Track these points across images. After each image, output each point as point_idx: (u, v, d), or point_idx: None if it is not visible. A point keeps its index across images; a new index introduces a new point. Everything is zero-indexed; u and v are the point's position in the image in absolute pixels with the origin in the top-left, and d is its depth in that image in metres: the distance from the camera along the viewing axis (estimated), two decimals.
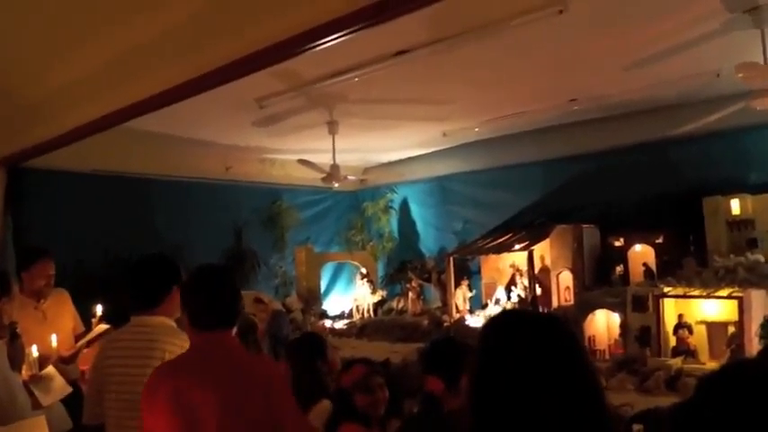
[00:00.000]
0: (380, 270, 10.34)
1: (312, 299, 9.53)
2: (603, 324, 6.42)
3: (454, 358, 3.09)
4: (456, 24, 4.68)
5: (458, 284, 8.32)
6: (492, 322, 1.96)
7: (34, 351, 4.27)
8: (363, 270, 9.64)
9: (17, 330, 4.18)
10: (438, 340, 3.74)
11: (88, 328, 5.04)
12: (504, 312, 2.37)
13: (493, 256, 8.42)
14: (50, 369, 4.33)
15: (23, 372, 4.17)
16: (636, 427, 3.52)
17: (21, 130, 6.38)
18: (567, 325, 1.92)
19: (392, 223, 10.49)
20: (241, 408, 2.53)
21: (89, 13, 4.39)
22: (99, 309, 4.94)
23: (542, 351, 1.76)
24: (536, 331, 1.82)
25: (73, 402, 4.37)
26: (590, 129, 7.83)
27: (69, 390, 4.34)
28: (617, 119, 7.58)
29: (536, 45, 5.27)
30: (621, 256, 7.23)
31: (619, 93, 6.65)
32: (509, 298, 7.99)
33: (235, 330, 2.84)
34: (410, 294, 8.91)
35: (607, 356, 6.15)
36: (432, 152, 9.52)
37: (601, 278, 7.25)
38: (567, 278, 7.48)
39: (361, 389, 3.46)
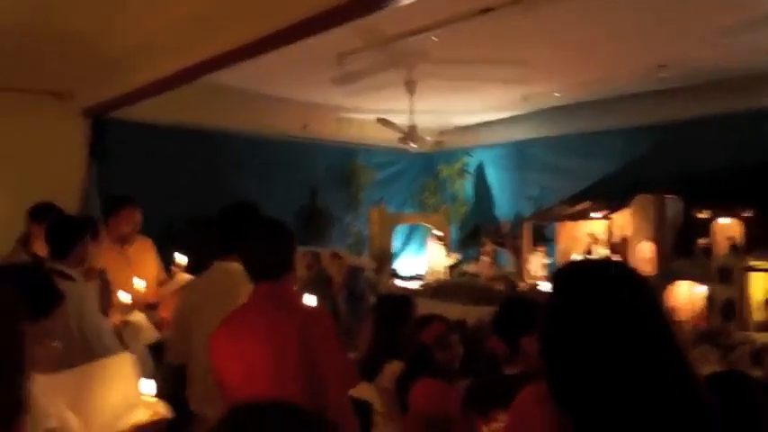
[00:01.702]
0: (453, 233, 10.28)
1: (384, 259, 9.53)
2: (686, 296, 6.24)
3: (517, 319, 3.01)
4: None
5: (533, 250, 8.23)
6: (561, 272, 1.87)
7: (125, 297, 4.33)
8: (437, 232, 9.58)
9: (107, 277, 4.26)
10: (507, 300, 3.64)
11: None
12: (575, 262, 2.25)
13: (570, 224, 8.30)
14: (139, 315, 4.40)
15: (112, 317, 4.24)
16: None
17: (104, 82, 6.49)
18: (639, 274, 1.81)
19: (467, 187, 10.40)
20: (285, 352, 2.58)
21: None
22: (178, 256, 4.99)
23: (615, 299, 1.67)
24: (607, 279, 1.74)
25: (154, 347, 4.45)
26: (677, 97, 7.58)
27: (157, 336, 4.41)
28: (706, 87, 7.30)
29: (627, 4, 5.08)
30: (705, 228, 7.01)
31: (712, 59, 6.39)
32: None
33: (294, 280, 2.87)
34: (484, 258, 8.84)
35: (689, 328, 6.00)
36: (510, 116, 9.36)
37: (682, 250, 7.04)
38: (646, 249, 7.29)
39: (440, 345, 3.44)
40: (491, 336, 3.12)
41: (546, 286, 7.63)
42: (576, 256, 7.98)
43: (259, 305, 2.75)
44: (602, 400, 1.60)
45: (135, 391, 2.59)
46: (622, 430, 1.58)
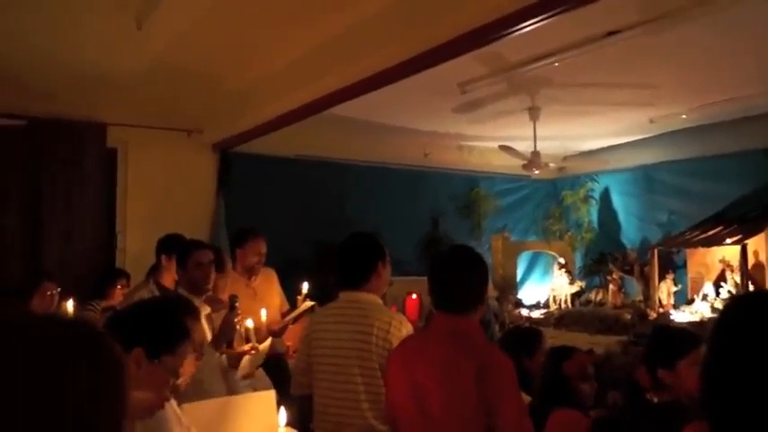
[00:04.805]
0: (578, 260, 10.09)
1: (508, 287, 9.45)
2: None
3: (661, 348, 2.96)
4: (671, 1, 4.41)
5: (662, 278, 8.00)
6: (734, 304, 1.77)
7: (250, 323, 4.41)
8: (561, 260, 9.44)
9: (236, 304, 4.36)
10: (656, 329, 3.58)
11: (292, 305, 5.22)
12: (747, 294, 2.12)
13: (701, 250, 8.01)
14: (265, 345, 4.49)
15: (235, 344, 4.33)
16: None
17: (231, 118, 6.78)
18: None
19: (592, 213, 10.15)
20: (460, 390, 2.53)
21: (294, 4, 4.56)
22: (305, 286, 5.08)
23: None
24: None
25: (278, 375, 4.54)
26: None
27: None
28: None
29: (757, 20, 4.89)
30: None
31: None
32: (718, 294, 7.56)
33: (482, 313, 2.78)
34: (611, 286, 8.63)
35: None
36: (636, 140, 9.11)
37: None
38: None
39: (583, 377, 3.38)
40: (636, 367, 3.07)
41: (676, 316, 7.40)
42: (709, 284, 7.70)
43: (440, 337, 2.70)
44: None
45: (273, 424, 2.65)
46: None
